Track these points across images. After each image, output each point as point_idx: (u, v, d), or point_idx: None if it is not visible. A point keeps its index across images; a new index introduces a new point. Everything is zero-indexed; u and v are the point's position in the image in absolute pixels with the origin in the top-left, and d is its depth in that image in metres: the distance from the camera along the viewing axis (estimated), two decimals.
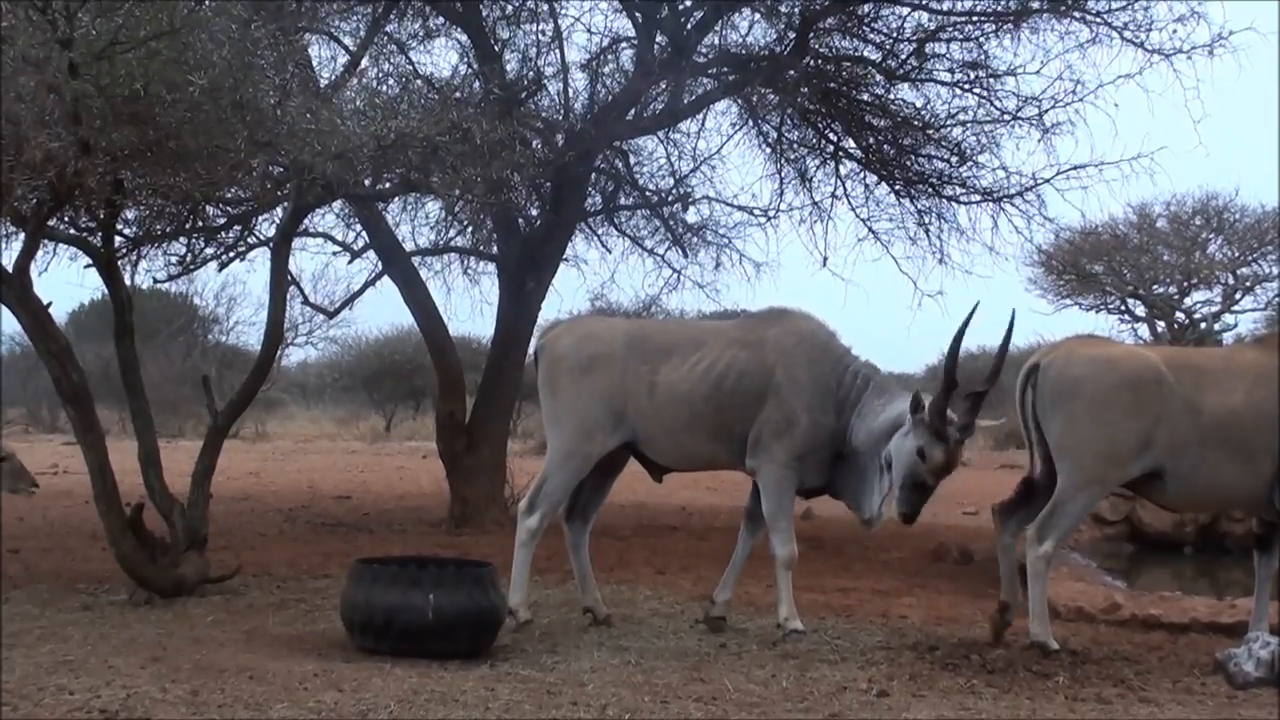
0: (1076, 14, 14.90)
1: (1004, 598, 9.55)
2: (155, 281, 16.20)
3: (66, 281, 15.11)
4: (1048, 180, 16.15)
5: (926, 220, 17.45)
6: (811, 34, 15.82)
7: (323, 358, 43.01)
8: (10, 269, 10.46)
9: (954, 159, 16.90)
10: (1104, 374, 9.16)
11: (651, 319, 10.41)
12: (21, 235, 10.98)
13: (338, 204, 15.75)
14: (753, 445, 9.79)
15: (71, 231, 11.91)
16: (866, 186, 17.83)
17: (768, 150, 17.99)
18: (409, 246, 17.88)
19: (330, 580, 11.37)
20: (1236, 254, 30.68)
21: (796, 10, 15.62)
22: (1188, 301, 31.61)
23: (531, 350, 10.72)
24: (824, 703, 7.78)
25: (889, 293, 18.87)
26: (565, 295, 35.40)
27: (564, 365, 10.20)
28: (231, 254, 16.15)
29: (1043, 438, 9.34)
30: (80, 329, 32.37)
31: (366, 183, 11.66)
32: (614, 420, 10.00)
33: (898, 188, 17.53)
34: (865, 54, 16.72)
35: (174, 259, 15.57)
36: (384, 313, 51.90)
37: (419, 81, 14.63)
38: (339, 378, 43.69)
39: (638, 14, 16.03)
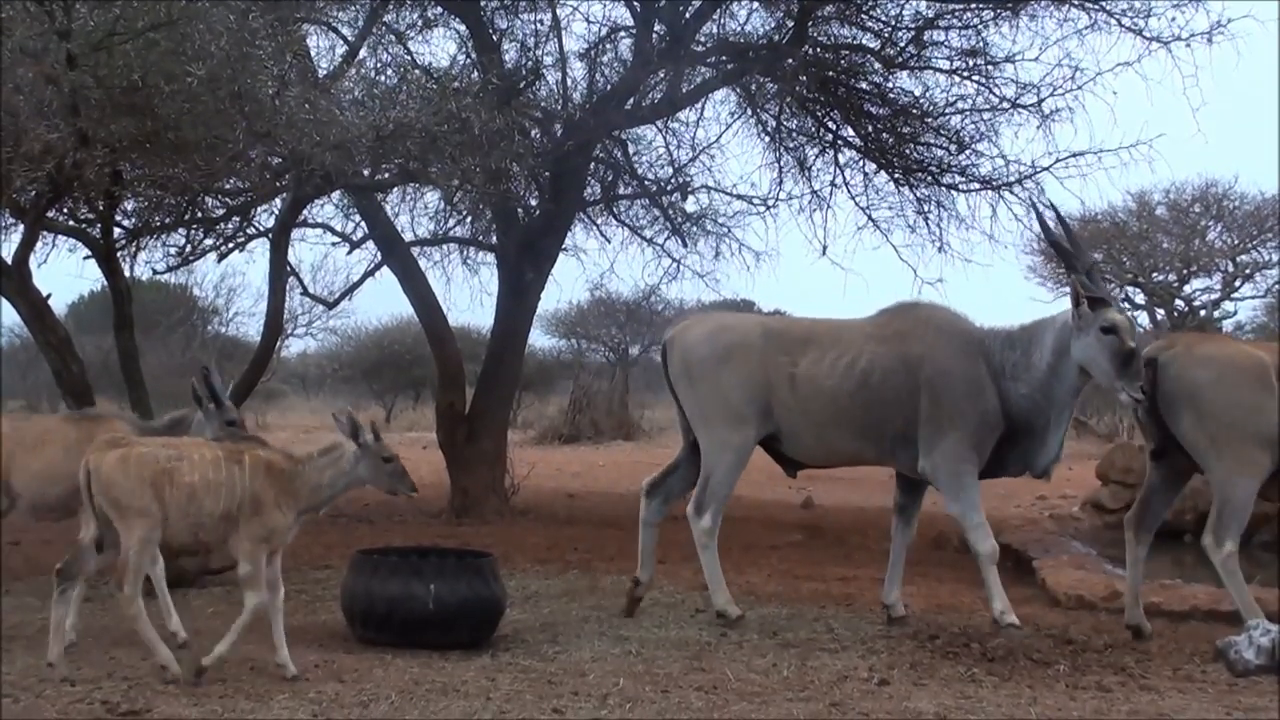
0: (1075, 1, 14.87)
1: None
2: (154, 273, 16.21)
3: (66, 273, 15.20)
4: (1047, 168, 16.12)
5: (926, 208, 17.43)
6: (810, 22, 15.80)
7: (322, 348, 43.04)
8: (10, 261, 10.47)
9: (953, 147, 16.86)
10: (1226, 372, 9.13)
11: (782, 315, 10.38)
12: (21, 227, 11.00)
13: (336, 194, 15.75)
14: (924, 447, 9.66)
15: (70, 223, 11.93)
16: (866, 175, 17.80)
17: (766, 139, 17.98)
18: (408, 237, 17.87)
19: (331, 571, 11.38)
20: (1236, 241, 30.68)
21: None
22: (1187, 289, 31.64)
23: (661, 344, 10.60)
24: (825, 691, 7.79)
25: (889, 281, 18.85)
26: (565, 285, 35.47)
27: (697, 356, 10.07)
28: (231, 245, 16.13)
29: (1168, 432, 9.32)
30: (80, 320, 32.27)
31: (365, 173, 11.66)
32: (759, 410, 9.90)
33: (897, 176, 17.50)
34: (864, 42, 16.69)
35: (173, 250, 15.58)
36: (383, 303, 51.97)
37: (417, 72, 14.61)
38: (339, 368, 43.67)
39: (636, 3, 16.00)
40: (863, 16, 16.39)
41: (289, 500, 7.89)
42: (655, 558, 10.37)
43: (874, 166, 17.68)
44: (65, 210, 11.54)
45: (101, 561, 8.06)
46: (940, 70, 16.42)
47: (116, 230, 12.16)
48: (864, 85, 17.12)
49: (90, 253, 11.59)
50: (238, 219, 15.18)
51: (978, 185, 16.93)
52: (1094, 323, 9.01)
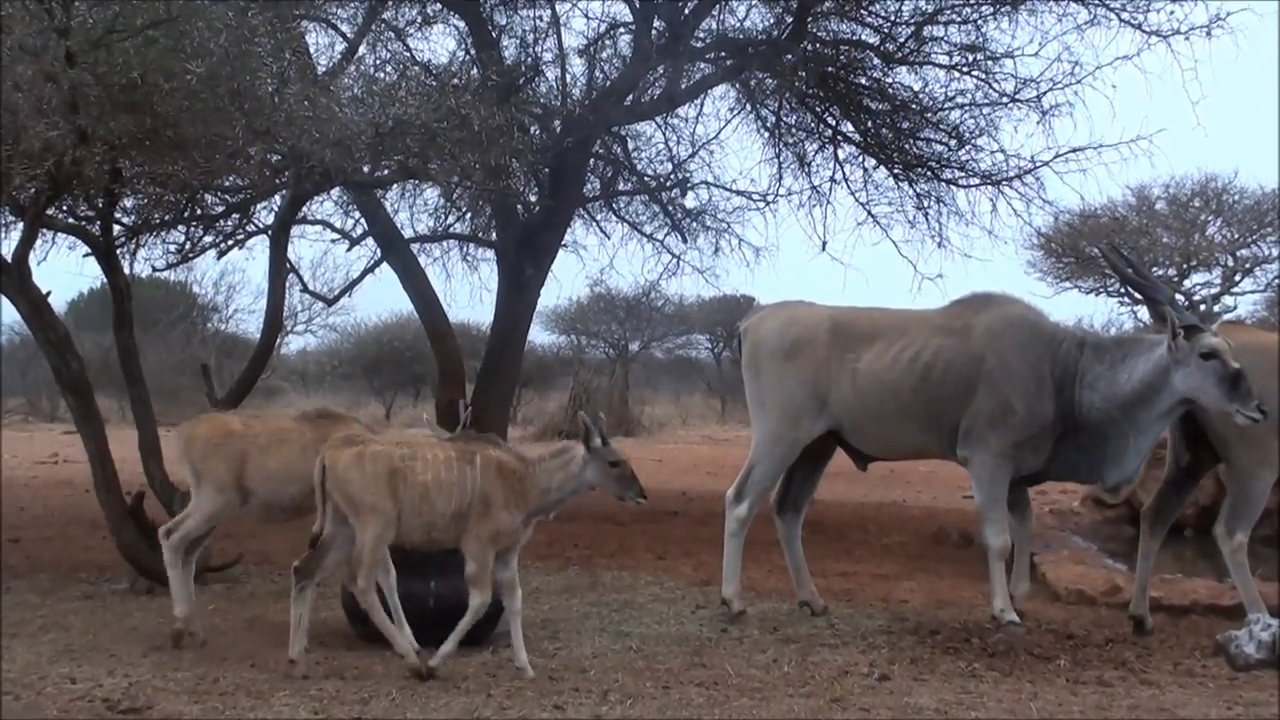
0: None
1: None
2: (154, 270, 16.19)
3: (65, 270, 15.16)
4: (1046, 163, 16.10)
5: (925, 204, 17.42)
6: (809, 17, 15.79)
7: (322, 345, 43.10)
8: (9, 258, 10.46)
9: (952, 142, 16.85)
10: (1258, 362, 9.07)
11: (856, 306, 10.36)
12: (20, 224, 10.98)
13: (336, 191, 15.75)
14: (965, 434, 9.67)
15: (70, 220, 11.91)
16: (865, 170, 17.80)
17: (766, 135, 17.97)
18: (408, 233, 17.90)
19: None
20: (1236, 236, 30.66)
21: None
22: (1187, 283, 31.57)
23: (738, 335, 10.69)
24: (825, 687, 7.79)
25: (888, 276, 18.85)
26: (565, 281, 35.48)
27: (766, 349, 10.20)
28: (230, 242, 16.13)
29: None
30: (79, 318, 32.30)
31: (365, 170, 11.64)
32: (818, 406, 9.97)
33: (896, 171, 17.49)
34: (863, 37, 16.67)
35: (173, 247, 15.57)
36: (383, 300, 51.85)
37: (417, 68, 14.61)
38: (338, 365, 43.66)
39: None
40: (862, 11, 16.37)
41: (518, 501, 7.90)
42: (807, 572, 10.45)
43: (873, 162, 17.68)
44: (65, 207, 11.53)
45: (331, 561, 8.07)
46: (940, 65, 16.40)
47: (116, 227, 12.14)
48: (863, 80, 17.11)
49: (90, 250, 11.57)
50: (237, 216, 15.18)
51: (977, 180, 16.92)
52: (1192, 351, 8.86)
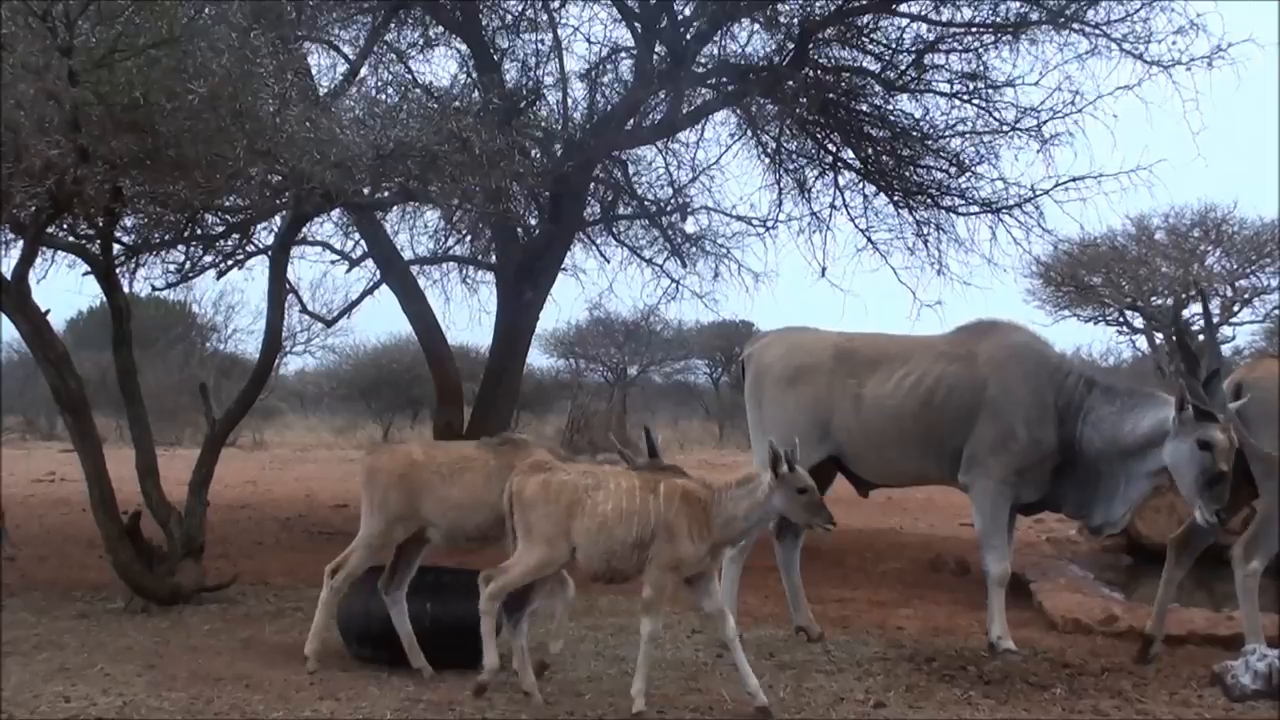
0: (1075, 25, 14.89)
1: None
2: (154, 289, 16.20)
3: (65, 289, 15.15)
4: (1046, 192, 16.14)
5: (925, 231, 17.45)
6: (810, 44, 15.83)
7: (321, 366, 43.00)
8: (9, 276, 10.46)
9: (953, 170, 16.89)
10: None
11: (861, 332, 10.40)
12: (20, 242, 10.99)
13: (336, 212, 15.77)
14: (967, 461, 9.66)
15: (70, 239, 11.91)
16: (865, 197, 17.83)
17: (766, 160, 18.01)
18: (407, 255, 17.89)
19: None
20: (1235, 266, 30.66)
21: (796, 21, 15.62)
22: (1186, 314, 31.58)
23: (741, 361, 10.71)
24: (821, 714, 7.79)
25: (888, 303, 18.87)
26: (563, 305, 35.50)
27: (770, 375, 10.24)
28: (230, 262, 16.13)
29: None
30: (78, 336, 32.29)
31: (365, 191, 11.65)
32: (819, 433, 9.96)
33: (896, 198, 17.53)
34: (864, 65, 16.74)
35: (172, 267, 15.58)
36: (382, 321, 52.06)
37: (418, 90, 14.67)
38: (337, 386, 43.60)
39: (637, 24, 16.02)
40: (863, 39, 16.44)
41: (702, 530, 7.74)
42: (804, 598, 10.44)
43: (874, 188, 17.72)
44: (65, 226, 11.53)
45: (546, 591, 8.08)
46: (940, 93, 16.46)
47: (116, 246, 12.15)
48: (864, 107, 17.16)
49: (89, 269, 11.57)
50: (237, 236, 15.17)
51: (977, 208, 16.95)
52: (1193, 433, 8.77)
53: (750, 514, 7.82)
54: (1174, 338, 9.29)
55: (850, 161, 17.73)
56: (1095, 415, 9.48)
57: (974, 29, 15.67)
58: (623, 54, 16.78)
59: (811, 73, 16.31)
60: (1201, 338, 9.94)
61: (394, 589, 8.70)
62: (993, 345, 9.84)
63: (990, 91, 16.14)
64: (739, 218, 18.29)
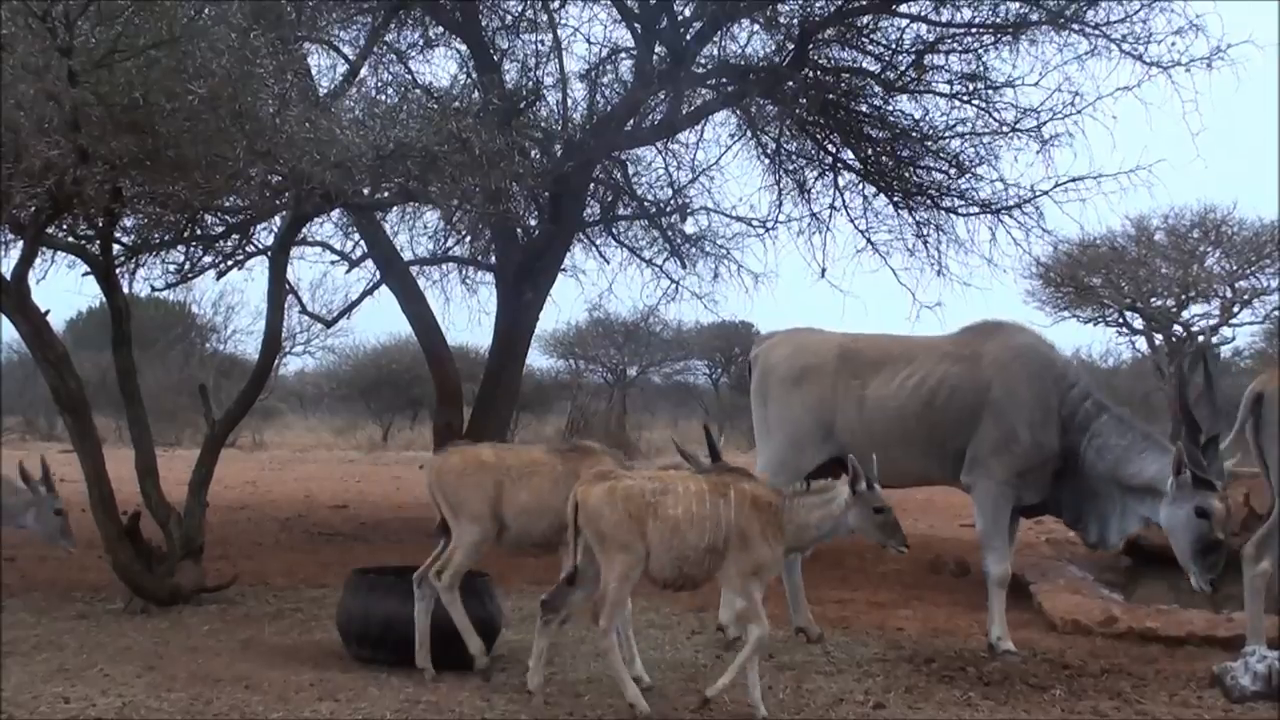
0: (1075, 26, 14.90)
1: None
2: (153, 290, 16.23)
3: (65, 289, 15.13)
4: (1046, 192, 16.16)
5: (925, 232, 17.45)
6: (810, 45, 15.83)
7: (320, 367, 43.08)
8: (9, 276, 10.45)
9: (952, 170, 16.90)
10: None
11: (866, 333, 10.43)
12: (20, 243, 10.98)
13: (336, 213, 15.78)
14: (970, 462, 9.66)
15: (70, 239, 11.91)
16: (865, 198, 17.84)
17: (766, 161, 18.03)
18: (407, 256, 17.91)
19: (327, 590, 11.36)
20: (1235, 267, 30.66)
21: (795, 22, 15.63)
22: (1185, 314, 31.60)
23: (749, 361, 10.71)
24: (820, 714, 7.78)
25: (887, 304, 18.90)
26: (563, 305, 35.54)
27: (775, 376, 10.25)
28: (230, 262, 16.14)
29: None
30: (78, 337, 32.30)
31: (365, 192, 11.64)
32: (822, 433, 9.97)
33: (896, 199, 17.53)
34: (864, 65, 16.74)
35: (172, 267, 15.60)
36: (382, 322, 52.10)
37: (418, 91, 14.68)
38: (336, 387, 43.67)
39: (637, 25, 16.03)
40: (863, 40, 16.45)
41: (775, 533, 7.69)
42: (805, 599, 10.37)
43: (873, 189, 17.73)
44: (65, 226, 11.53)
45: (580, 598, 7.96)
46: (940, 94, 16.47)
47: (116, 247, 12.14)
48: (864, 108, 17.17)
49: (89, 269, 11.57)
50: (237, 237, 15.19)
51: (977, 209, 16.96)
52: (1191, 499, 8.76)
53: (822, 524, 7.80)
54: (1179, 401, 9.13)
55: (850, 162, 17.74)
56: (1102, 442, 9.46)
57: (974, 30, 15.68)
58: (622, 54, 16.81)
59: (811, 73, 16.33)
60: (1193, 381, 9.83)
61: (427, 584, 8.63)
62: (997, 346, 9.84)
63: (990, 92, 16.16)
64: (739, 218, 18.32)
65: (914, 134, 16.86)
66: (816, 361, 10.11)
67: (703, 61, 16.33)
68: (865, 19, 16.12)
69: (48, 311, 10.67)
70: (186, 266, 15.67)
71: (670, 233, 18.57)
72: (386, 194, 12.49)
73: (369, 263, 17.65)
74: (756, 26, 16.11)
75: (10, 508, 9.36)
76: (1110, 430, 9.49)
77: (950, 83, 16.34)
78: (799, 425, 9.93)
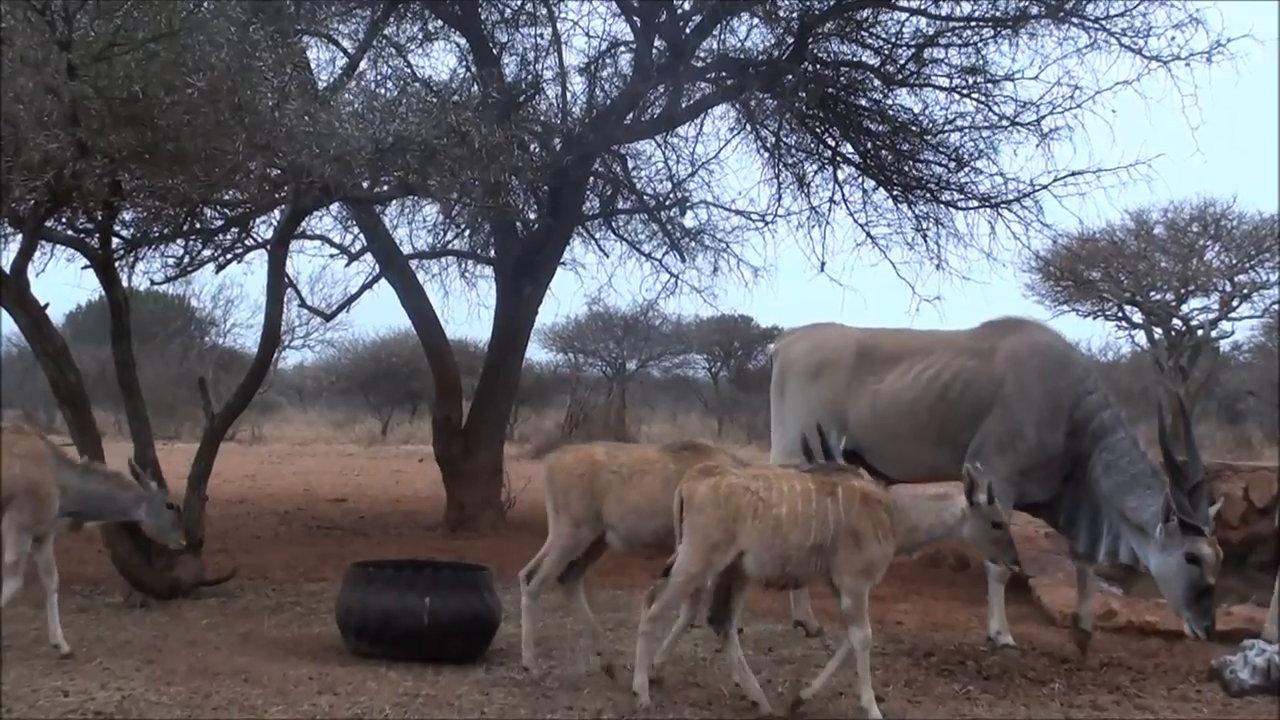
0: (1075, 20, 14.88)
1: None
2: (153, 283, 16.21)
3: (64, 283, 15.15)
4: (1045, 186, 16.12)
5: (924, 225, 17.42)
6: (810, 39, 15.81)
7: (319, 360, 43.04)
8: (8, 270, 10.45)
9: (952, 164, 16.87)
10: None
11: (886, 328, 10.46)
12: (19, 236, 10.97)
13: (335, 206, 15.76)
14: (972, 455, 9.46)
15: (69, 233, 11.91)
16: (864, 191, 17.81)
17: (766, 155, 17.99)
18: (407, 249, 17.91)
19: (326, 584, 11.36)
20: (1234, 261, 30.57)
21: (795, 15, 15.60)
22: (1185, 308, 31.53)
23: (769, 357, 10.75)
24: (819, 709, 7.78)
25: (887, 298, 18.87)
26: (563, 299, 35.50)
27: (793, 370, 10.33)
28: (229, 256, 16.14)
29: None
30: (77, 330, 32.28)
31: (364, 185, 11.65)
32: (836, 427, 9.91)
33: (896, 193, 17.51)
34: (863, 59, 16.71)
35: (171, 261, 15.59)
36: (381, 316, 51.91)
37: (417, 84, 14.64)
38: (335, 380, 43.63)
39: (636, 18, 16.02)
40: (863, 33, 16.41)
41: (887, 532, 7.54)
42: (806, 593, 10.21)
43: (873, 183, 17.70)
44: (64, 220, 11.53)
45: (737, 602, 7.94)
46: (940, 88, 16.43)
47: (115, 240, 12.15)
48: (863, 102, 17.14)
49: (88, 263, 11.56)
50: (236, 230, 15.18)
51: (976, 203, 16.92)
52: (1181, 546, 8.63)
53: (933, 530, 7.71)
54: (1162, 448, 9.00)
55: (849, 156, 17.70)
56: (1112, 460, 9.37)
57: (973, 23, 15.65)
58: (622, 48, 16.80)
59: (811, 67, 16.29)
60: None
61: (572, 579, 8.64)
62: (1015, 342, 9.84)
63: (989, 86, 16.11)
64: (738, 212, 18.31)
65: (913, 128, 16.82)
66: (834, 356, 10.17)
67: (702, 55, 16.31)
68: (865, 12, 16.07)
69: (47, 305, 10.67)
70: (186, 260, 15.66)
71: (670, 226, 18.56)
72: (386, 187, 12.50)
73: (368, 256, 17.64)
74: (756, 20, 16.07)
75: (124, 502, 9.38)
76: (1122, 451, 9.39)
77: (950, 76, 16.31)
78: (812, 418, 9.91)
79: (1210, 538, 8.61)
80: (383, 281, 17.57)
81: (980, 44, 15.83)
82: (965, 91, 16.29)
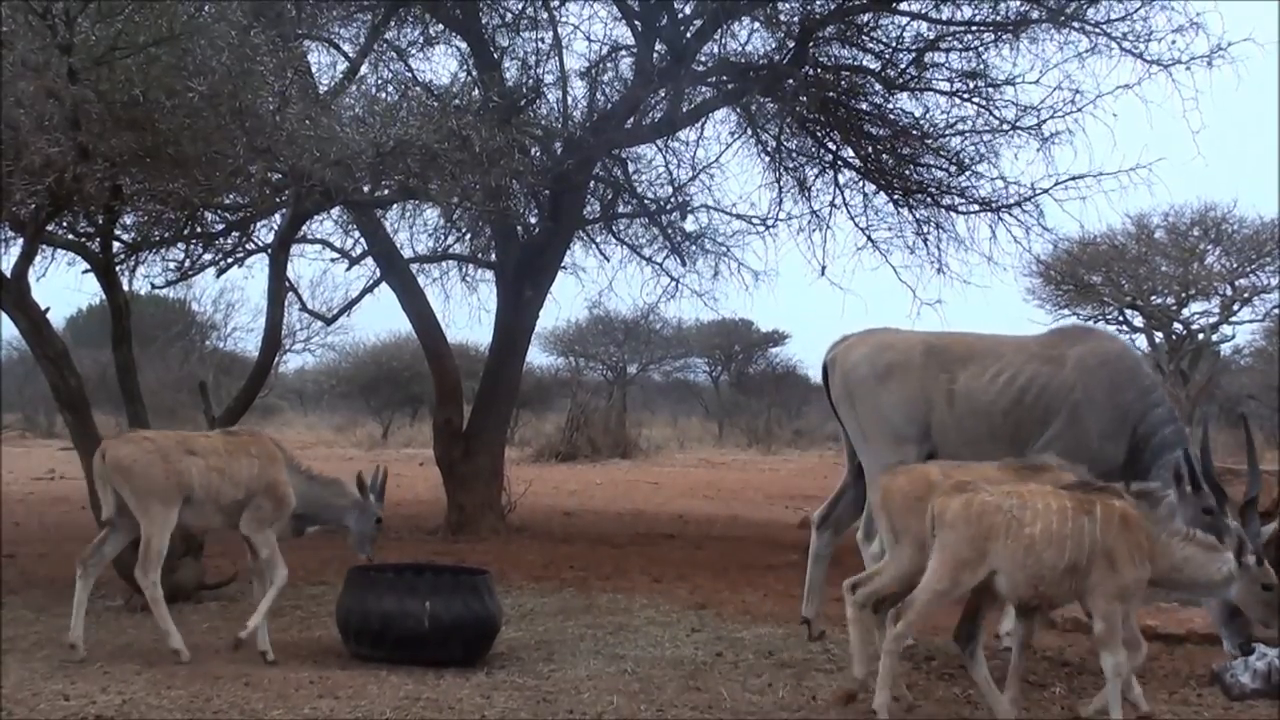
0: (1075, 24, 14.88)
1: None
2: (153, 287, 16.17)
3: (65, 286, 15.13)
4: (1046, 190, 16.14)
5: (925, 229, 17.44)
6: (811, 43, 15.83)
7: (320, 364, 43.08)
8: (9, 274, 10.46)
9: (952, 168, 16.89)
10: None
11: (945, 331, 10.33)
12: (20, 240, 10.98)
13: (336, 210, 15.75)
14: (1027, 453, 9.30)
15: (70, 237, 11.91)
16: (865, 195, 17.82)
17: (766, 159, 18.01)
18: (407, 253, 17.89)
19: (326, 587, 11.36)
20: (1235, 265, 30.64)
21: (796, 19, 15.63)
22: (1185, 312, 31.58)
23: (823, 367, 10.44)
24: (821, 712, 7.78)
25: (887, 302, 18.87)
26: (563, 303, 35.54)
27: (858, 375, 9.98)
28: (230, 260, 16.11)
29: None
30: (78, 334, 32.29)
31: (365, 189, 11.65)
32: (919, 430, 9.79)
33: (896, 197, 17.53)
34: (864, 63, 16.74)
35: (172, 265, 15.56)
36: (382, 319, 51.92)
37: (418, 88, 14.64)
38: (336, 384, 43.65)
39: (637, 22, 16.04)
40: (863, 38, 16.44)
41: (1143, 556, 7.26)
42: (823, 594, 10.13)
43: (873, 187, 17.72)
44: (65, 224, 11.54)
45: (987, 619, 7.79)
46: (940, 92, 16.46)
47: (116, 244, 12.14)
48: (864, 106, 17.16)
49: (89, 266, 11.57)
50: (237, 234, 15.17)
51: (977, 207, 16.95)
52: (1253, 578, 7.72)
53: (1194, 580, 7.44)
54: (1193, 476, 8.71)
55: (850, 160, 17.72)
56: (1167, 477, 9.00)
57: (974, 27, 15.68)
58: (623, 52, 16.81)
59: (811, 71, 16.32)
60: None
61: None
62: (1084, 350, 9.78)
63: (990, 90, 16.14)
64: (739, 216, 18.32)
65: (914, 132, 16.84)
66: (902, 358, 9.91)
67: (703, 59, 16.33)
68: (865, 17, 16.10)
69: (48, 309, 10.68)
70: (186, 264, 15.64)
71: (670, 230, 18.57)
72: (387, 191, 12.50)
73: (369, 260, 17.63)
74: (757, 24, 16.09)
75: (336, 507, 9.44)
76: (1188, 496, 9.09)
77: (950, 80, 16.33)
78: (894, 422, 9.80)
79: (1261, 556, 8.45)
80: (383, 285, 17.57)
81: (981, 48, 15.87)
82: (966, 96, 16.32)
